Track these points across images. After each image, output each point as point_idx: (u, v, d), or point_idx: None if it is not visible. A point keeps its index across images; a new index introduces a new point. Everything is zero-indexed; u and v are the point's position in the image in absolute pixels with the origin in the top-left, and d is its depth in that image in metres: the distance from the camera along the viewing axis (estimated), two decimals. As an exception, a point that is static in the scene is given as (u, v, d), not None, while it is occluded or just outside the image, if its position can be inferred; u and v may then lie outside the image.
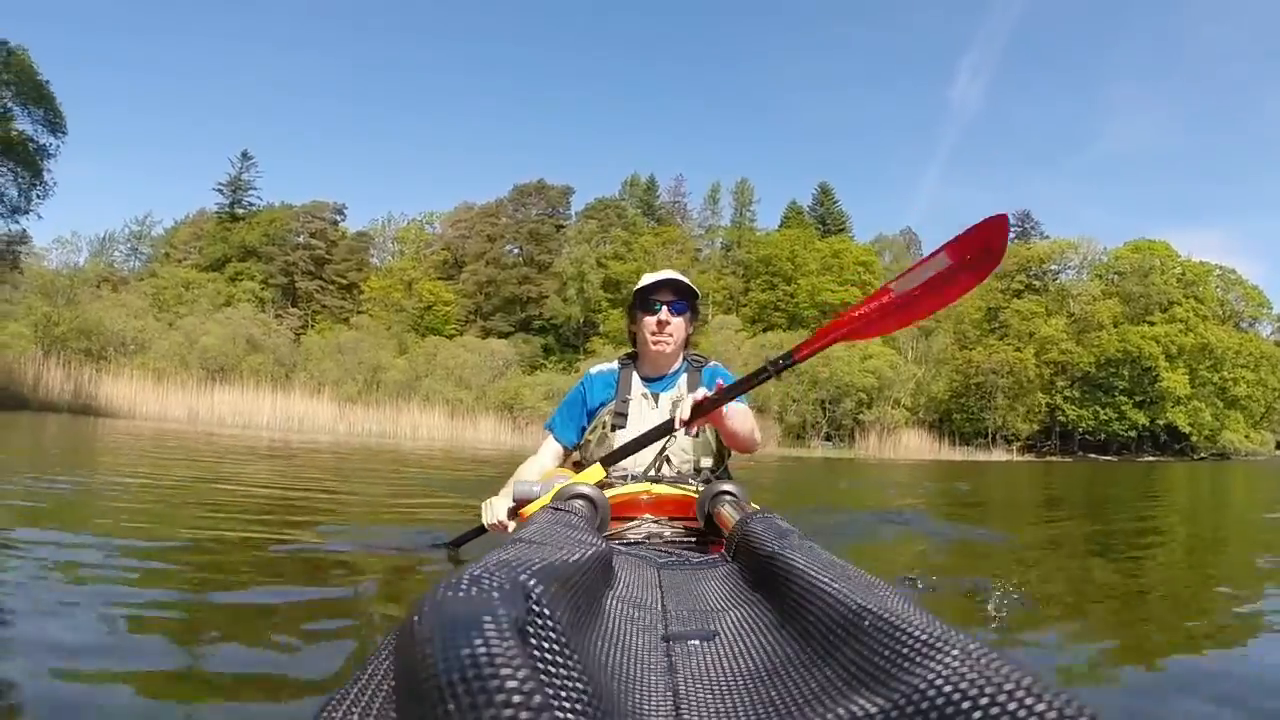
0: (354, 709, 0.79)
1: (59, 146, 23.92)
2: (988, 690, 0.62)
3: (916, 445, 46.93)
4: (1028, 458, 47.42)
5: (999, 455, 47.74)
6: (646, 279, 3.40)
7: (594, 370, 3.57)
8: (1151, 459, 46.61)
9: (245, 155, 77.97)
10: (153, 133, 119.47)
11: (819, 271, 65.02)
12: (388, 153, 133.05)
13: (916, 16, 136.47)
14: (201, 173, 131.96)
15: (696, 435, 3.19)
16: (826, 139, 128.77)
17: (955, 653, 0.69)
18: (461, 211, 79.26)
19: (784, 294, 65.94)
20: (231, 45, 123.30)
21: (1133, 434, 51.08)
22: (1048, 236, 70.91)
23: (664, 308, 3.29)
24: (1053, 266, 57.33)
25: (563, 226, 75.44)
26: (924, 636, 0.74)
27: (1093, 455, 50.03)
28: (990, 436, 51.90)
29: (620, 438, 3.13)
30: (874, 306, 2.61)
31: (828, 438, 49.74)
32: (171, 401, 30.27)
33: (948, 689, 0.64)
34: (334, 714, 0.78)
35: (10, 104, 21.71)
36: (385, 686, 0.81)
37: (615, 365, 3.53)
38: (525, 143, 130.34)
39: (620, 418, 3.28)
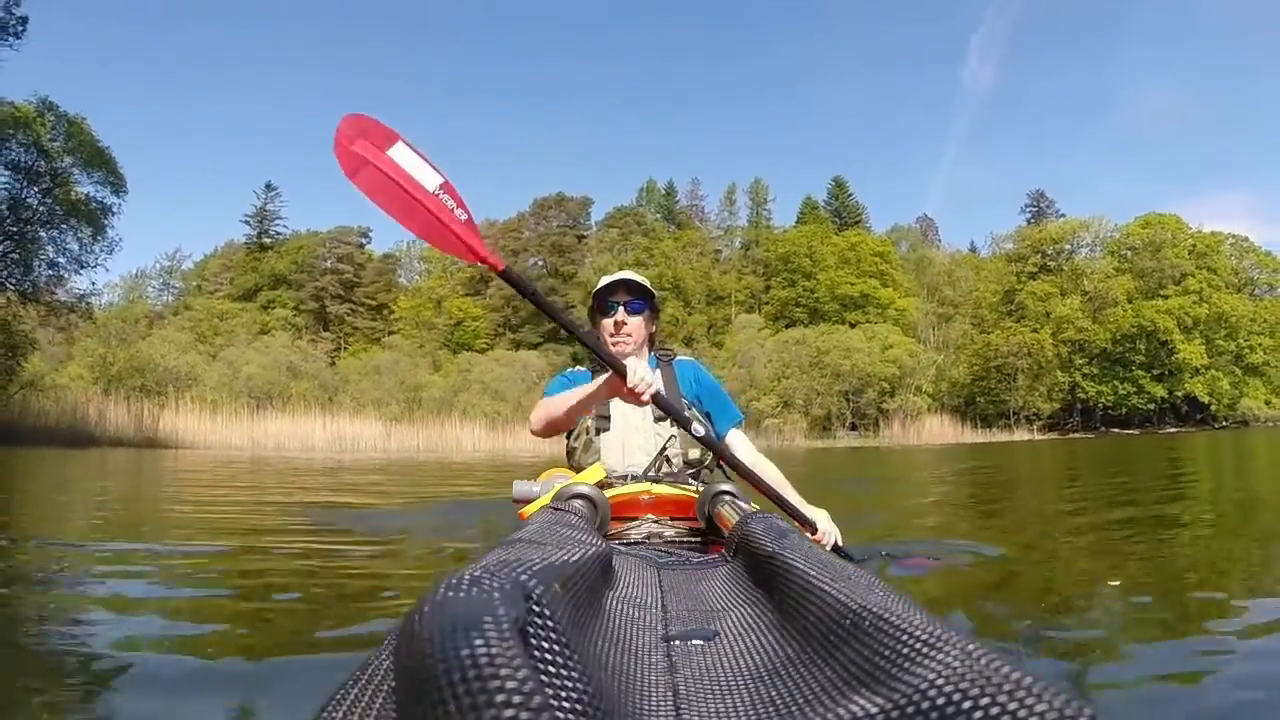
0: (354, 709, 0.81)
1: (120, 205, 25.84)
2: (988, 690, 0.62)
3: (939, 430, 47.02)
4: (1050, 436, 47.54)
5: (1021, 435, 47.89)
6: (602, 281, 3.44)
7: (569, 372, 3.60)
8: (1173, 430, 46.80)
9: (269, 186, 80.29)
10: (174, 167, 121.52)
11: (837, 265, 65.62)
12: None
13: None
14: (224, 206, 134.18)
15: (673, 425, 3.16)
16: (840, 131, 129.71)
17: (955, 653, 0.70)
18: (484, 228, 79.81)
19: (804, 289, 66.60)
20: (248, 75, 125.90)
21: (1152, 407, 51.24)
22: (1064, 215, 70.80)
23: (620, 308, 3.33)
24: (1066, 246, 57.02)
25: (584, 237, 76.57)
26: (924, 636, 0.75)
27: (1115, 430, 50.12)
28: (1013, 417, 52.10)
29: (605, 441, 3.17)
30: None
31: (853, 427, 50.34)
32: (229, 431, 31.27)
33: (948, 689, 0.65)
34: (334, 714, 0.80)
35: (73, 169, 23.74)
36: (385, 686, 0.83)
37: (587, 370, 3.53)
38: (541, 157, 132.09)
39: (604, 420, 3.28)
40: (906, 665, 0.71)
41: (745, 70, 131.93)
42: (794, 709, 0.83)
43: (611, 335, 3.30)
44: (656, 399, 2.56)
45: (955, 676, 0.65)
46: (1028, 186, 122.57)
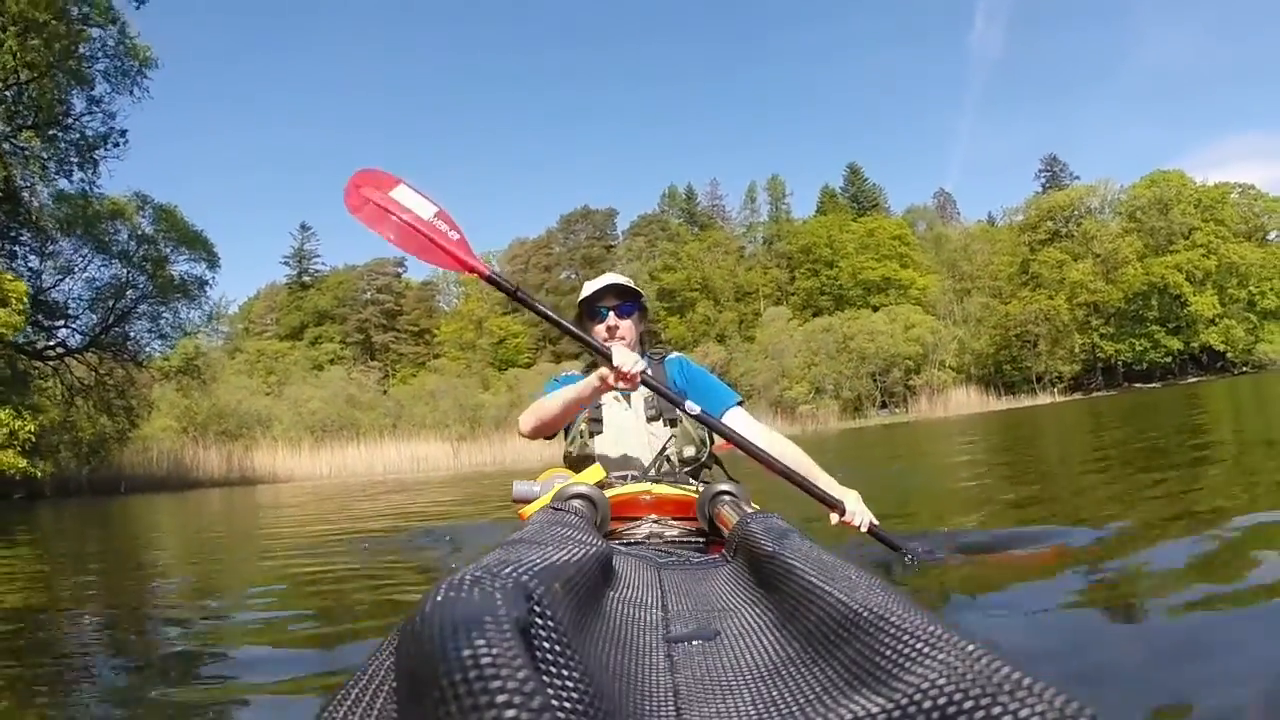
0: (354, 709, 0.82)
1: (215, 278, 28.79)
2: (988, 690, 0.62)
3: (965, 401, 48.46)
4: (1074, 397, 48.28)
5: (1045, 399, 48.59)
6: (588, 287, 3.39)
7: (559, 375, 3.55)
8: (1194, 380, 47.26)
9: (304, 226, 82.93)
10: (210, 216, 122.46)
11: (857, 251, 66.86)
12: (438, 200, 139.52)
13: None
14: (254, 250, 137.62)
15: (673, 425, 3.19)
16: (853, 116, 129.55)
17: (955, 652, 0.70)
18: (516, 247, 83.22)
19: (827, 278, 67.88)
20: (273, 116, 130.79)
21: (1169, 359, 51.89)
22: (1078, 178, 72.50)
23: (610, 313, 3.29)
24: (1075, 212, 57.50)
25: (611, 247, 78.83)
26: (924, 636, 0.75)
27: (1137, 385, 50.61)
28: (1037, 382, 53.03)
29: (599, 443, 3.16)
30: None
31: (883, 406, 52.03)
32: (311, 463, 34.10)
33: (948, 689, 0.65)
34: (334, 714, 0.81)
35: (168, 251, 26.44)
36: (386, 686, 0.84)
37: (578, 373, 3.45)
38: (565, 173, 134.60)
39: (596, 423, 3.24)
40: (906, 665, 0.73)
41: (753, 68, 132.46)
42: (794, 709, 0.85)
43: (605, 340, 3.24)
44: (645, 380, 2.71)
45: (955, 676, 0.66)
46: (1043, 149, 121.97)
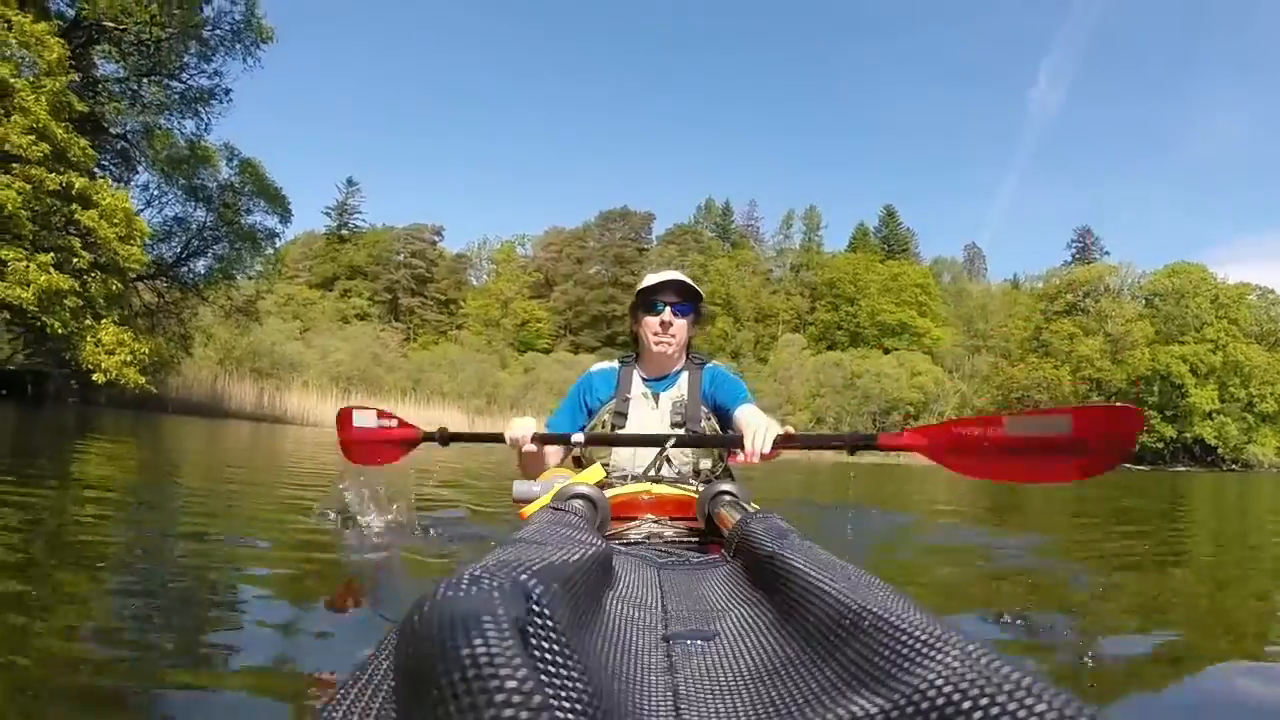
0: (354, 709, 0.81)
1: (285, 231, 31.10)
2: (988, 690, 0.62)
3: None
4: None
5: None
6: (649, 279, 3.33)
7: (595, 368, 3.55)
8: (1183, 469, 47.74)
9: (350, 181, 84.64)
10: (263, 153, 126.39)
11: (879, 293, 67.92)
12: (481, 179, 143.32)
13: (996, 20, 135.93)
14: (302, 194, 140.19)
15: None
16: (902, 154, 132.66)
17: (955, 653, 0.70)
18: (552, 235, 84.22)
19: (846, 314, 68.83)
20: (337, 82, 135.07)
21: (1161, 445, 51.83)
22: (1108, 254, 74.20)
23: (667, 308, 3.24)
24: (1095, 289, 58.86)
25: (644, 250, 79.37)
26: (924, 636, 0.75)
27: (1127, 466, 48.68)
28: None
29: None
30: (974, 432, 2.34)
31: None
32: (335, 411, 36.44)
33: (948, 689, 0.65)
34: (334, 714, 0.80)
35: (247, 202, 28.60)
36: (385, 686, 0.84)
37: (616, 364, 3.49)
38: (609, 170, 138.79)
39: (620, 417, 3.23)
40: (906, 665, 0.73)
41: (811, 95, 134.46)
42: (794, 709, 0.85)
43: (655, 334, 3.25)
44: (536, 438, 3.04)
45: (955, 676, 0.66)
46: (1082, 218, 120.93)
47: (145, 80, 25.67)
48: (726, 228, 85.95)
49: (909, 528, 6.47)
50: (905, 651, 0.75)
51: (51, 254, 18.55)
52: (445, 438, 3.55)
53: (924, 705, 0.65)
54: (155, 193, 27.89)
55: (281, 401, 35.20)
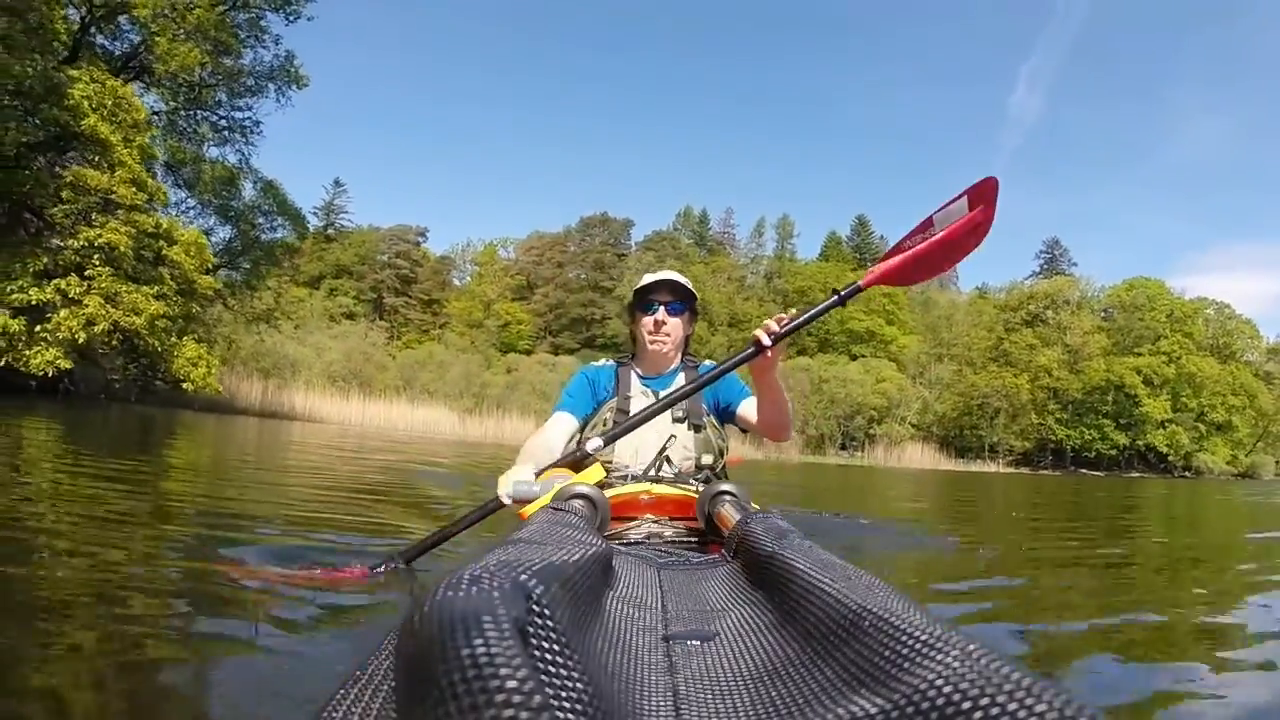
0: (354, 709, 0.82)
1: (300, 246, 33.31)
2: (988, 690, 0.62)
3: (918, 457, 50.48)
4: (1022, 470, 50.20)
5: (991, 467, 50.82)
6: (645, 279, 3.36)
7: (591, 366, 3.53)
8: (1136, 475, 49.02)
9: (337, 182, 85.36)
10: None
11: (849, 302, 70.90)
12: (466, 182, 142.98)
13: (977, 22, 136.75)
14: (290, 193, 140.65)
15: (698, 431, 3.20)
16: (877, 160, 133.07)
17: (955, 653, 0.70)
18: (534, 239, 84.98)
19: (817, 322, 72.00)
20: (325, 82, 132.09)
21: (1115, 452, 53.71)
22: (1075, 265, 76.07)
23: (661, 308, 3.29)
24: (1054, 302, 59.94)
25: (623, 255, 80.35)
26: (924, 637, 0.75)
27: (1083, 470, 52.56)
28: (988, 451, 54.79)
29: (624, 439, 3.04)
30: (917, 245, 2.86)
31: (843, 447, 53.76)
32: (336, 409, 37.13)
33: (948, 689, 0.65)
34: (334, 714, 0.80)
35: (264, 218, 31.10)
36: (385, 686, 0.84)
37: (612, 364, 3.50)
38: (591, 176, 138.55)
39: (623, 414, 3.19)
40: (906, 665, 0.73)
41: (788, 102, 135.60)
42: (794, 709, 0.85)
43: (650, 334, 3.31)
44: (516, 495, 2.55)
45: (955, 677, 0.67)
46: (1056, 227, 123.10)
47: (183, 113, 28.57)
48: (703, 235, 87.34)
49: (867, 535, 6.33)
50: (905, 652, 0.76)
51: (154, 285, 21.44)
52: (404, 563, 3.01)
53: (924, 705, 0.66)
54: (193, 214, 30.41)
55: (285, 398, 36.84)
